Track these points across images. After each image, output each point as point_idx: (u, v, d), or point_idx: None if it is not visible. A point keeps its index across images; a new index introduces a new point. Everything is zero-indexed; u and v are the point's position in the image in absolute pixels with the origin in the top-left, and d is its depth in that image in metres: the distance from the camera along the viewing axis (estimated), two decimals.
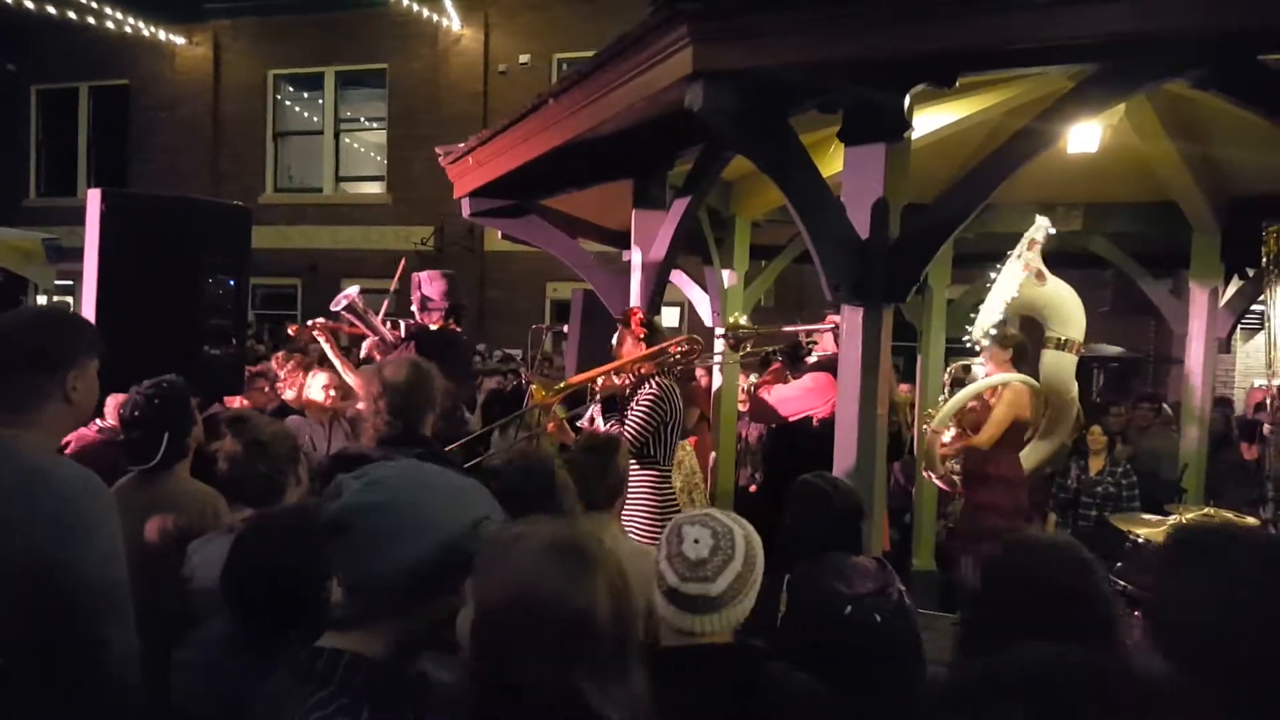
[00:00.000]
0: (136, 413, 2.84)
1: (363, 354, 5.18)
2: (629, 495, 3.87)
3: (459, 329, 5.27)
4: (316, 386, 4.85)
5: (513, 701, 1.26)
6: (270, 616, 1.77)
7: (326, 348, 5.12)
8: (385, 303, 5.39)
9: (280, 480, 2.46)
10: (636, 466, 3.88)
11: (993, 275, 5.08)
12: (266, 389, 5.54)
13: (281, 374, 5.15)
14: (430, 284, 5.11)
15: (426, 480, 1.45)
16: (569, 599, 1.28)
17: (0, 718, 1.71)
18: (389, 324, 5.14)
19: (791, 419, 4.84)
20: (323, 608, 1.45)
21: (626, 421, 3.97)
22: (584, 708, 1.26)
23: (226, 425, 2.61)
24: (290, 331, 5.70)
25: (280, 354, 5.79)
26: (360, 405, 3.62)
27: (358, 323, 5.10)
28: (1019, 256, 4.83)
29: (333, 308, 5.10)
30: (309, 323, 5.20)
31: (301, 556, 1.71)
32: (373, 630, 1.38)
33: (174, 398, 2.90)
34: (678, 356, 4.18)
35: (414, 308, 5.15)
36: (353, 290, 5.05)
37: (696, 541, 1.89)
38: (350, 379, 4.78)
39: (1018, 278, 4.79)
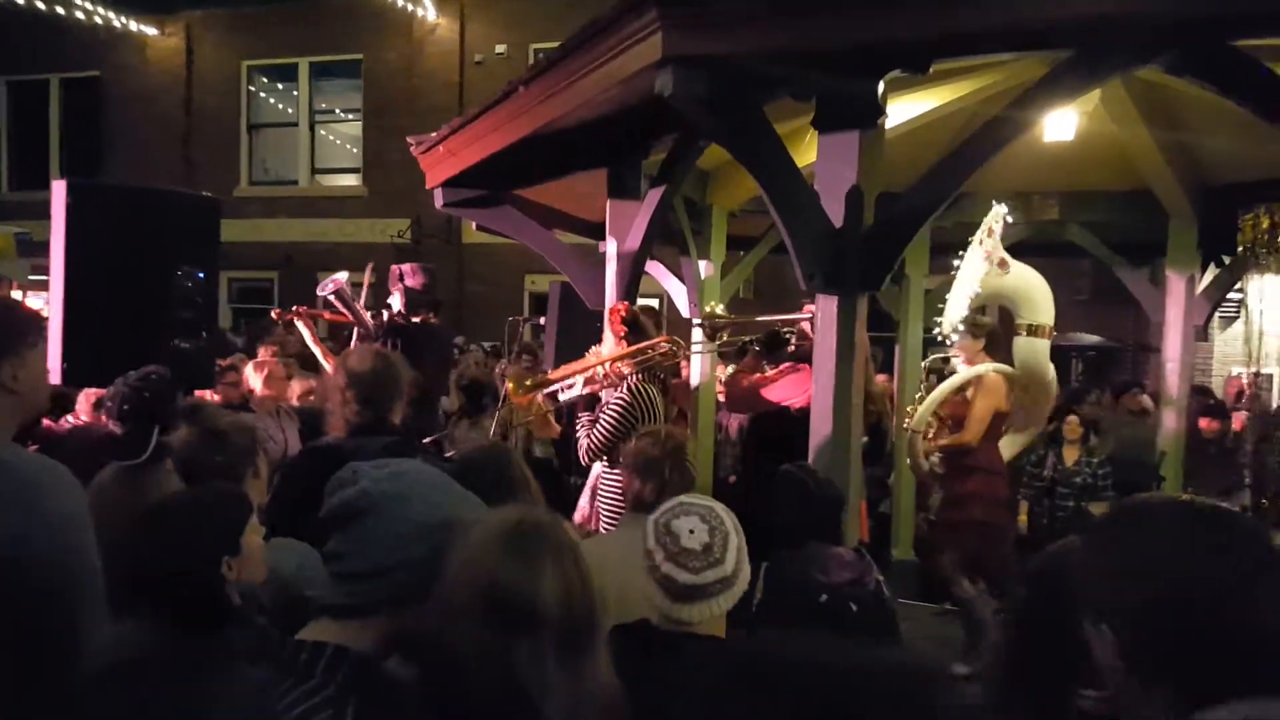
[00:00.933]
0: (126, 406, 2.78)
1: (353, 346, 5.17)
2: (601, 495, 3.84)
3: (436, 321, 5.31)
4: (255, 375, 4.86)
5: (453, 680, 1.27)
6: (179, 608, 1.75)
7: (306, 334, 5.23)
8: (362, 297, 5.39)
9: (238, 471, 2.40)
10: (606, 467, 3.84)
11: (956, 265, 5.08)
12: (237, 382, 5.50)
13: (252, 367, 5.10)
14: (412, 276, 5.16)
15: (441, 481, 1.48)
16: (513, 580, 1.29)
17: None
18: (370, 315, 5.17)
19: (772, 406, 4.79)
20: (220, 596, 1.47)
21: (595, 425, 3.92)
22: (518, 692, 1.26)
23: (182, 415, 2.55)
24: (273, 315, 5.77)
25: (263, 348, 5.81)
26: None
27: (343, 309, 5.16)
28: (979, 244, 4.82)
29: (320, 292, 5.16)
30: (293, 309, 5.30)
31: (201, 544, 1.74)
32: (368, 623, 1.37)
33: (163, 391, 2.85)
34: (658, 358, 4.09)
35: (391, 299, 5.15)
36: (340, 276, 5.12)
37: (691, 532, 1.86)
38: (327, 366, 4.81)
39: (979, 268, 4.77)
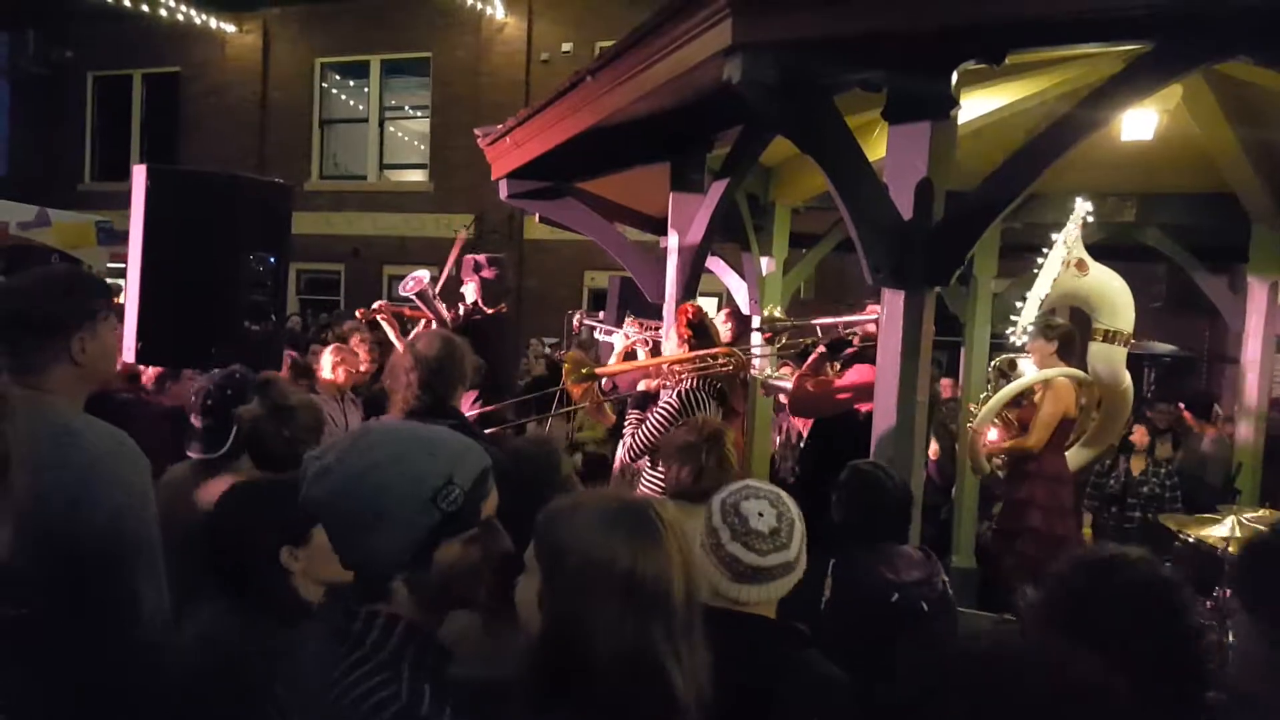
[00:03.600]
0: (209, 401, 2.81)
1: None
2: (643, 490, 3.84)
3: (505, 310, 5.50)
4: (327, 364, 4.94)
5: (584, 672, 1.26)
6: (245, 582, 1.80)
7: (389, 330, 5.35)
8: (440, 284, 5.59)
9: (301, 448, 2.45)
10: (649, 465, 3.84)
11: (1038, 265, 4.93)
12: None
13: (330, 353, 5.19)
14: (487, 268, 5.35)
15: (373, 458, 1.32)
16: (643, 565, 1.29)
17: (26, 668, 1.71)
18: (445, 308, 5.32)
19: (840, 408, 4.69)
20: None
21: (642, 424, 3.92)
22: (659, 679, 1.27)
23: (254, 389, 2.61)
24: (358, 315, 5.88)
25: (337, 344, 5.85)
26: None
27: (422, 307, 5.30)
28: (1063, 243, 4.65)
29: (402, 291, 5.30)
30: (375, 305, 5.46)
31: (261, 531, 1.78)
32: (394, 597, 1.34)
33: (245, 389, 2.90)
34: (717, 368, 4.06)
35: (465, 290, 5.28)
36: (423, 274, 5.23)
37: (760, 515, 1.86)
38: None
39: (1056, 269, 4.61)
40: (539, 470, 2.28)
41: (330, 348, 5.11)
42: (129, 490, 1.91)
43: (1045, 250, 4.87)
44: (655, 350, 5.04)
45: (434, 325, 5.22)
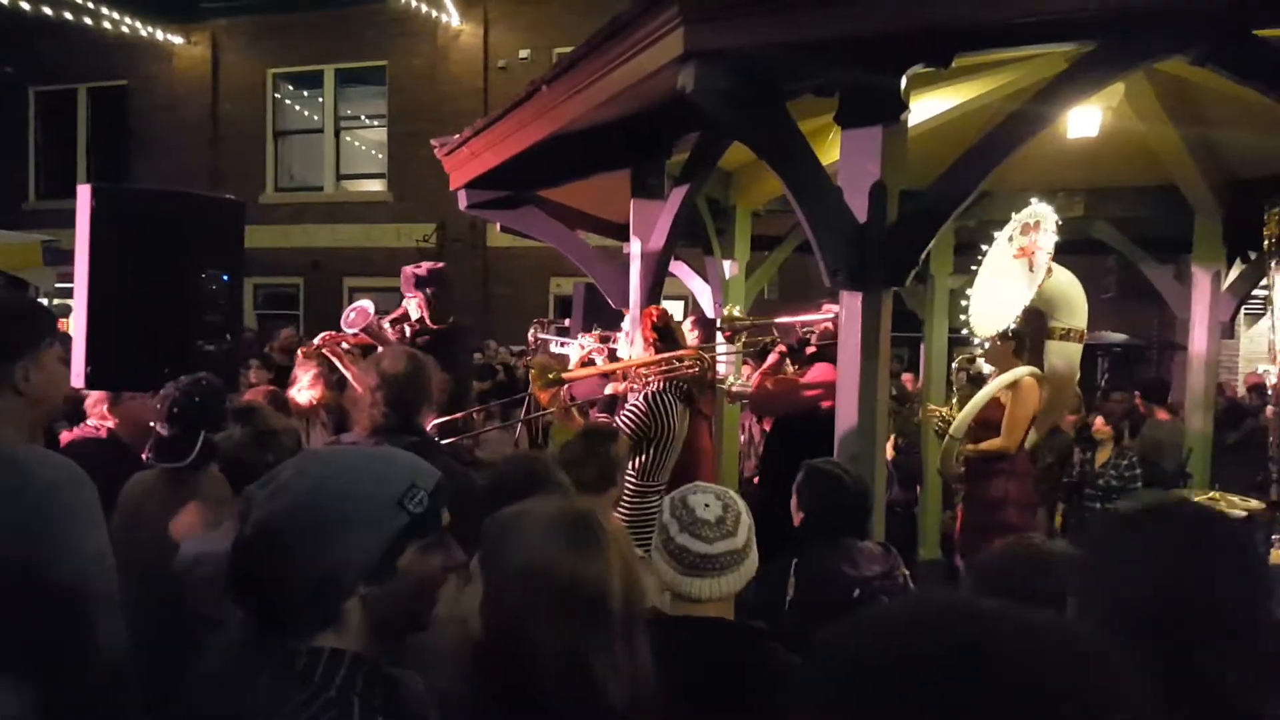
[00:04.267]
0: (176, 409, 2.79)
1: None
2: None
3: (457, 321, 5.09)
4: (303, 386, 4.79)
5: (520, 675, 1.28)
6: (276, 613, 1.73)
7: (338, 363, 4.76)
8: (401, 309, 5.03)
9: None
10: None
11: (980, 258, 5.03)
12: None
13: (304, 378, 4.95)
14: (429, 280, 4.87)
15: (331, 470, 1.32)
16: (582, 572, 1.31)
17: None
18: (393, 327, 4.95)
19: (800, 407, 4.74)
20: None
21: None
22: (590, 682, 1.28)
23: (235, 416, 2.59)
24: (300, 354, 5.16)
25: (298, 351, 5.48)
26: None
27: (370, 340, 4.78)
28: (1009, 240, 4.77)
29: (346, 328, 4.76)
30: (317, 339, 4.85)
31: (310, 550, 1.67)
32: (344, 625, 1.30)
33: (213, 396, 2.88)
34: (682, 370, 4.09)
35: (407, 305, 4.91)
36: (366, 304, 4.73)
37: (706, 505, 1.93)
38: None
39: (1020, 272, 4.70)
40: (533, 484, 2.29)
41: (313, 372, 4.87)
42: (79, 521, 1.87)
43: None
44: (611, 359, 5.04)
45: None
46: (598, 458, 2.88)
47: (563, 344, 6.00)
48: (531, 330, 7.61)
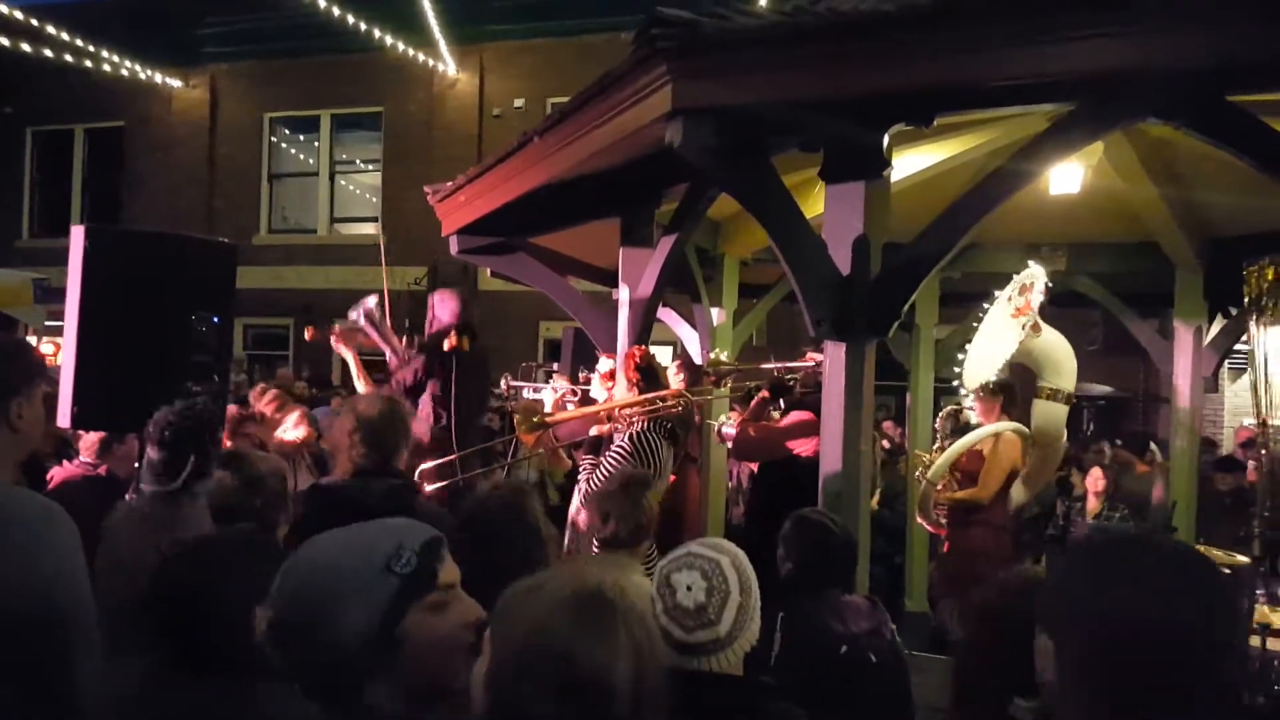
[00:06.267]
0: (167, 433, 2.78)
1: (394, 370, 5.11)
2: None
3: (468, 348, 5.01)
4: (289, 426, 4.84)
5: None
6: (195, 641, 1.71)
7: (349, 357, 5.12)
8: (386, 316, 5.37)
9: (273, 516, 2.44)
10: None
11: (981, 314, 5.09)
12: (254, 434, 5.46)
13: (262, 408, 5.09)
14: (442, 304, 5.05)
15: (319, 551, 1.33)
16: (587, 655, 1.22)
17: None
18: (402, 340, 5.14)
19: (781, 454, 4.78)
20: (247, 638, 1.34)
21: (598, 469, 3.94)
22: None
23: (222, 463, 2.59)
24: (307, 336, 5.63)
25: (259, 389, 5.71)
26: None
27: (371, 333, 5.07)
28: (1008, 300, 4.83)
29: (351, 316, 5.10)
30: (332, 328, 5.23)
31: (234, 581, 1.64)
32: (371, 699, 1.28)
33: (206, 422, 2.88)
34: (665, 410, 4.12)
35: (440, 310, 5.04)
36: (369, 300, 5.05)
37: (689, 588, 1.83)
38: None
39: (1013, 331, 4.76)
40: (508, 514, 2.29)
41: (298, 412, 4.95)
42: (63, 562, 1.87)
43: (986, 297, 5.06)
44: (584, 401, 5.07)
45: (387, 355, 5.07)
46: (641, 509, 2.84)
47: (535, 389, 6.06)
48: (505, 378, 7.63)
